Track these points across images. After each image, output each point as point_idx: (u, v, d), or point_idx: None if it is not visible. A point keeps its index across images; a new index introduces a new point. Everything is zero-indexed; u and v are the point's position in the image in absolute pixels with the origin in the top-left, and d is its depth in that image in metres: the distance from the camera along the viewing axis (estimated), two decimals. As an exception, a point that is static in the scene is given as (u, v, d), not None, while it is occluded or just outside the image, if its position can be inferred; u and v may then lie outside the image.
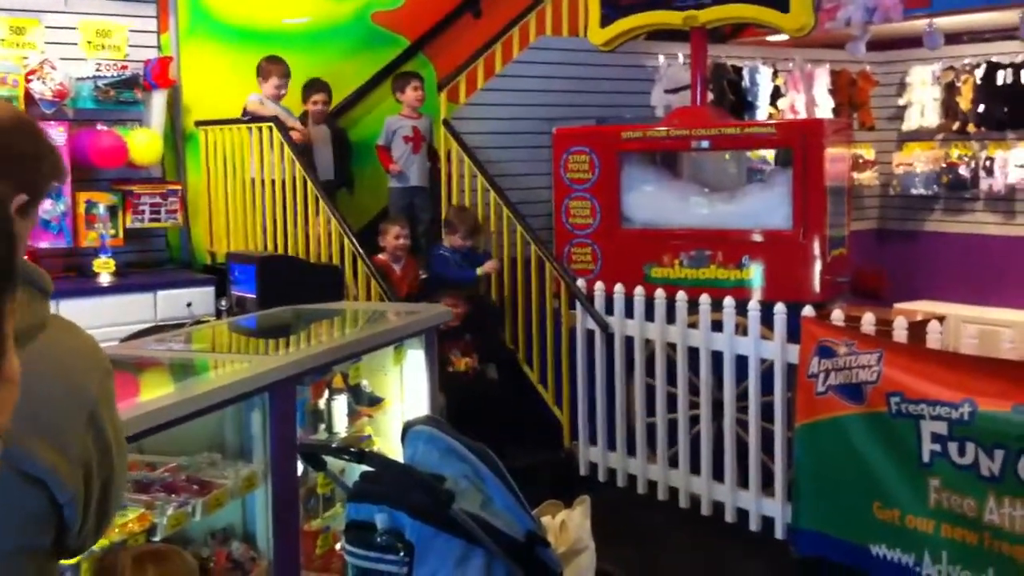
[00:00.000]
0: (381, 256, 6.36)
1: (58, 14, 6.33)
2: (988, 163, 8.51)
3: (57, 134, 6.00)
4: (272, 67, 6.78)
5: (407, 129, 7.11)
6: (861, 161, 9.03)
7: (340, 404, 3.87)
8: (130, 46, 6.56)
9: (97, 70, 6.36)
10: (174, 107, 6.87)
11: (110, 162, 6.35)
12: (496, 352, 6.59)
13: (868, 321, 4.94)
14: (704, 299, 5.58)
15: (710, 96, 7.29)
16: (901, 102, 8.98)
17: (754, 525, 5.36)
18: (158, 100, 6.62)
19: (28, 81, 6.07)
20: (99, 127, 6.34)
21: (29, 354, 1.25)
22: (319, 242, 6.38)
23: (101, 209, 6.36)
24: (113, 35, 6.50)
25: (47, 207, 5.99)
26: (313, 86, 7.12)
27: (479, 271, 6.60)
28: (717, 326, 5.51)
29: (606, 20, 6.91)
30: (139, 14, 6.65)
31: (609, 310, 6.09)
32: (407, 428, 2.89)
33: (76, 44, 6.38)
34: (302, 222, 6.40)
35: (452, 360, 6.18)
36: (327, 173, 7.02)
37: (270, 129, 6.40)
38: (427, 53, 8.04)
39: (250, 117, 6.63)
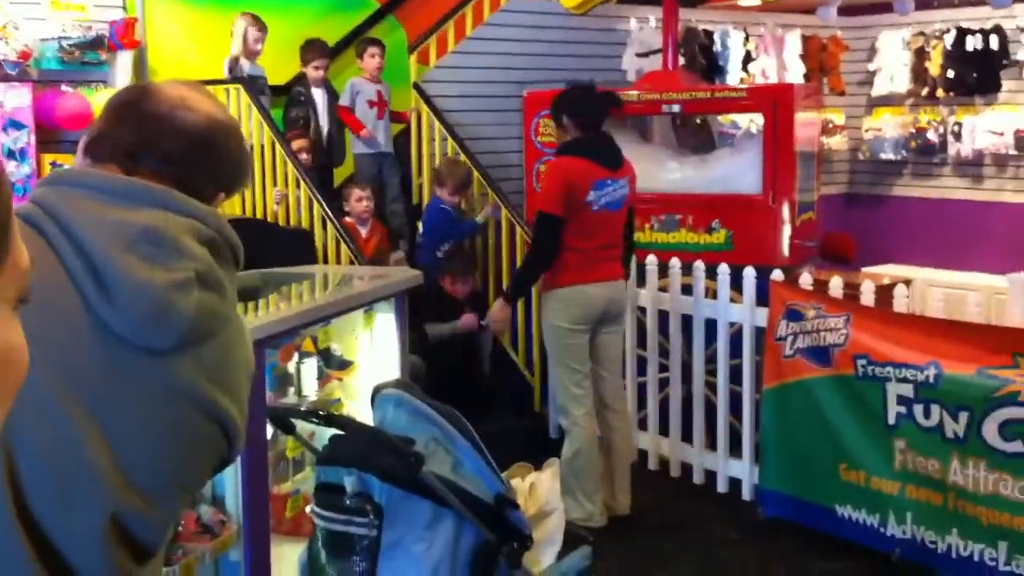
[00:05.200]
0: (347, 219, 6.32)
1: (21, -27, 6.22)
2: (957, 128, 8.56)
3: (21, 95, 5.92)
4: (242, 19, 6.59)
5: (371, 94, 6.85)
6: (831, 126, 9.06)
7: (309, 368, 3.87)
8: (95, 6, 6.45)
9: (62, 31, 6.26)
10: (140, 68, 6.77)
11: (75, 124, 6.25)
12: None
13: (836, 285, 4.97)
14: (674, 263, 5.59)
15: (681, 60, 7.28)
16: (871, 67, 9.00)
17: (722, 487, 5.41)
18: (123, 61, 6.52)
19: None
20: (64, 88, 6.25)
21: (239, 325, 1.65)
22: (288, 205, 6.32)
23: (66, 171, 6.28)
24: (77, -5, 6.39)
25: (11, 169, 5.91)
26: (313, 49, 6.80)
27: (479, 218, 6.55)
28: (687, 290, 5.53)
29: (577, -17, 6.88)
30: (104, -26, 6.53)
31: (579, 274, 6.08)
32: (376, 391, 2.88)
33: (40, 4, 6.27)
34: (271, 185, 6.33)
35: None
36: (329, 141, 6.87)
37: (237, 92, 6.31)
38: (397, 16, 7.93)
39: (231, 78, 6.44)
